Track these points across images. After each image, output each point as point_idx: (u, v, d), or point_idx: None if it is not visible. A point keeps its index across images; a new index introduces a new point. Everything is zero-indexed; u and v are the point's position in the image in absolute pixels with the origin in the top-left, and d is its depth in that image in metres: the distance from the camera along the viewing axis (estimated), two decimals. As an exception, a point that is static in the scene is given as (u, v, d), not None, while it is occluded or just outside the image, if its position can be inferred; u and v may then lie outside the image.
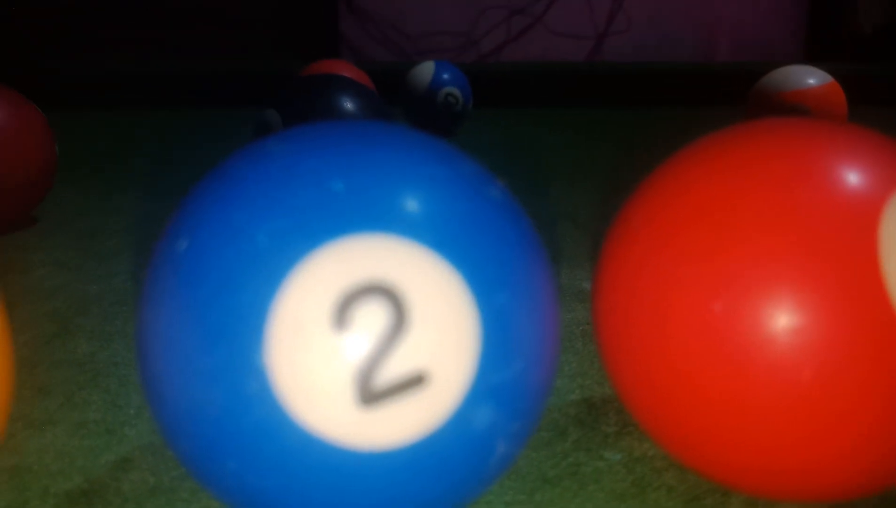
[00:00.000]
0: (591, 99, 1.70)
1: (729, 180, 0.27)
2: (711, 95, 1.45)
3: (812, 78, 0.99)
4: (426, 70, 1.20)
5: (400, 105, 1.23)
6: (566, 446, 0.35)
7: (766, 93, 0.99)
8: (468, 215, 0.25)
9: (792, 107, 0.95)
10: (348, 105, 0.69)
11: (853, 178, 0.26)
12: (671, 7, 2.69)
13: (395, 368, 0.22)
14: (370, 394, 0.22)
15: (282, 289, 0.22)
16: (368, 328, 0.22)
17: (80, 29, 2.49)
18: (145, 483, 0.32)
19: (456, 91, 1.19)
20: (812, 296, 0.25)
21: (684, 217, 0.28)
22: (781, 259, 0.25)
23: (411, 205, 0.24)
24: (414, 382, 0.22)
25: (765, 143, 0.28)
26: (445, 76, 1.20)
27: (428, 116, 1.20)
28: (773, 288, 0.25)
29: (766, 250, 0.25)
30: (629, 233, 0.30)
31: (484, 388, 0.23)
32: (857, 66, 1.80)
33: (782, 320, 0.25)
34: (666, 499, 0.31)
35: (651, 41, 2.72)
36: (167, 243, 0.25)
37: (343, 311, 0.22)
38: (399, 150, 0.25)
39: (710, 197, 0.27)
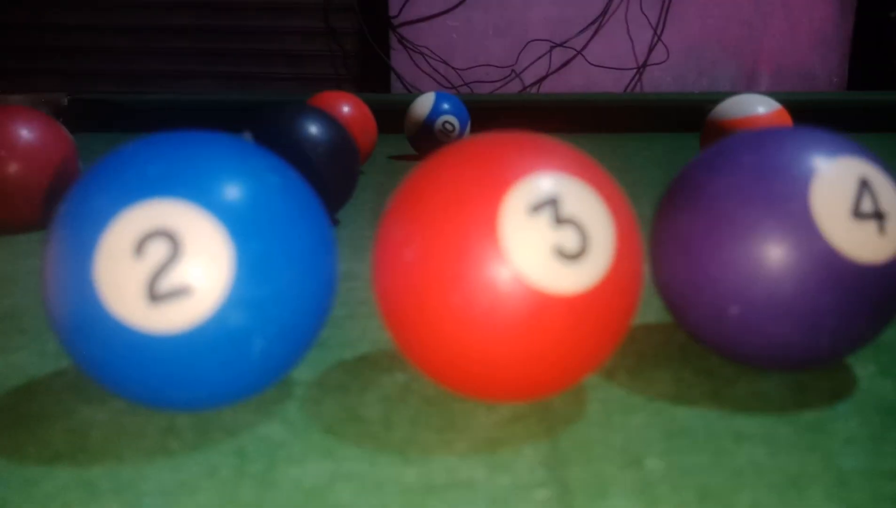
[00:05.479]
0: (630, 128, 1.70)
1: (430, 170, 0.40)
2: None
3: (761, 106, 1.07)
4: (427, 100, 1.34)
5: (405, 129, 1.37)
6: (385, 379, 0.48)
7: (717, 121, 1.09)
8: (243, 190, 0.38)
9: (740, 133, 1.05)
10: (311, 129, 0.83)
11: (496, 171, 0.39)
12: (710, 37, 2.76)
13: (170, 281, 0.36)
14: (155, 296, 0.36)
15: (105, 231, 0.36)
16: (155, 256, 0.36)
17: (155, 63, 2.75)
18: None
19: (453, 119, 1.33)
20: (448, 254, 0.37)
21: (406, 195, 0.41)
22: (441, 224, 0.38)
23: (198, 182, 0.37)
24: (183, 291, 0.36)
25: (468, 148, 0.41)
26: (445, 105, 1.34)
27: (426, 141, 1.33)
28: (430, 242, 0.38)
29: (432, 216, 0.38)
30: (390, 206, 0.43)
31: (238, 299, 0.37)
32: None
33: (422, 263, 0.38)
34: (419, 403, 0.44)
35: (691, 71, 2.79)
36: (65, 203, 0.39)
37: (140, 244, 0.36)
38: (207, 149, 0.39)
39: (418, 180, 0.40)
